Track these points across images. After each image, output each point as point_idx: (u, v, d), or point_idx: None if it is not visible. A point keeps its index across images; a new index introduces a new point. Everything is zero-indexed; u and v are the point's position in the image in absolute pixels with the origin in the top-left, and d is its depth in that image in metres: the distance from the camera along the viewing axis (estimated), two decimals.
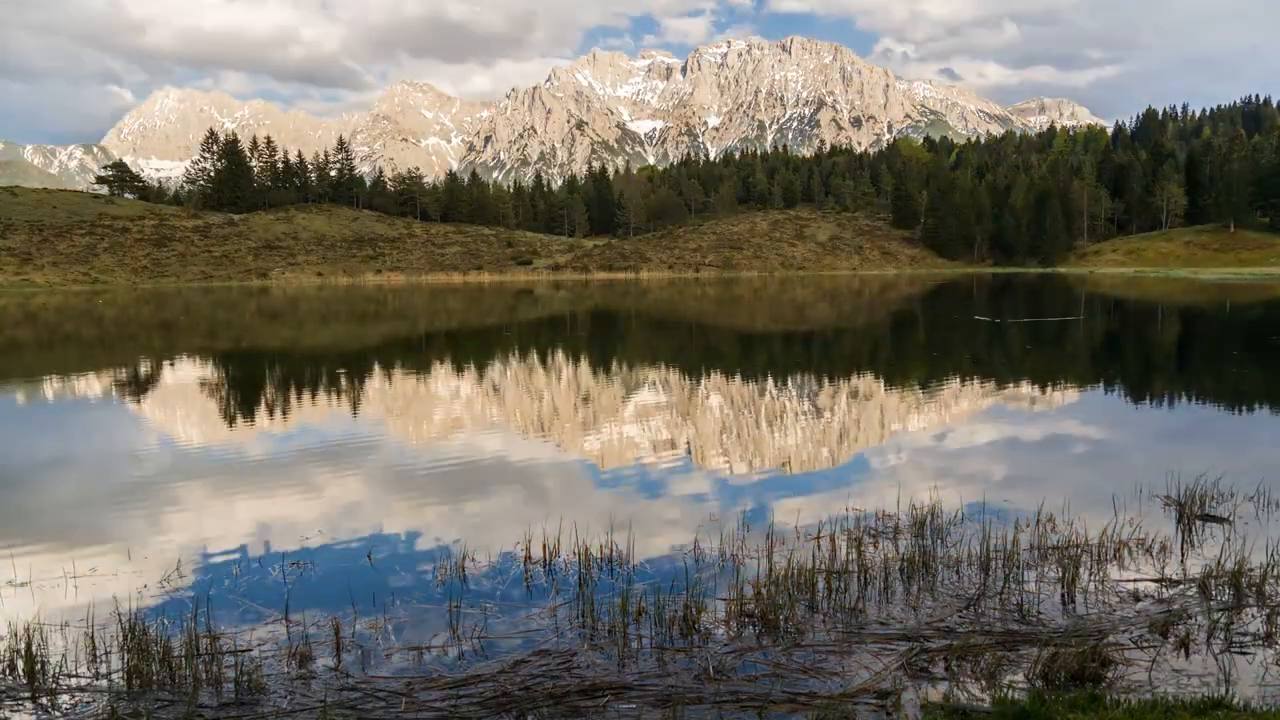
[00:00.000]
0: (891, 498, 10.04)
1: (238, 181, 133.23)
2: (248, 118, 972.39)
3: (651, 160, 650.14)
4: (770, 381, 21.92)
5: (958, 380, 21.15)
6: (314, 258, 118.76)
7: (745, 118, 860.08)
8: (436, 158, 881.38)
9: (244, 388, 22.22)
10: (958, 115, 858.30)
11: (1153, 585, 7.52)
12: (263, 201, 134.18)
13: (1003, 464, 12.58)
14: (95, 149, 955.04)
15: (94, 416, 17.77)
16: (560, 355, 29.37)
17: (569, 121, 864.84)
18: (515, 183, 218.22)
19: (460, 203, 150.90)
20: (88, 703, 5.75)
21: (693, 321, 44.36)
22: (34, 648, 6.22)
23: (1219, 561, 7.67)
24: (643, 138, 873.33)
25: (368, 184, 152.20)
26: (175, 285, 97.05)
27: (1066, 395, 19.09)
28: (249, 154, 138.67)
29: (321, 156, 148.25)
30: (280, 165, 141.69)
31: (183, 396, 20.29)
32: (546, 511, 9.95)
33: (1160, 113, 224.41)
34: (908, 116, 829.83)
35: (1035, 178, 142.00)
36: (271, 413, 17.92)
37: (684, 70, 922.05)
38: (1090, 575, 7.69)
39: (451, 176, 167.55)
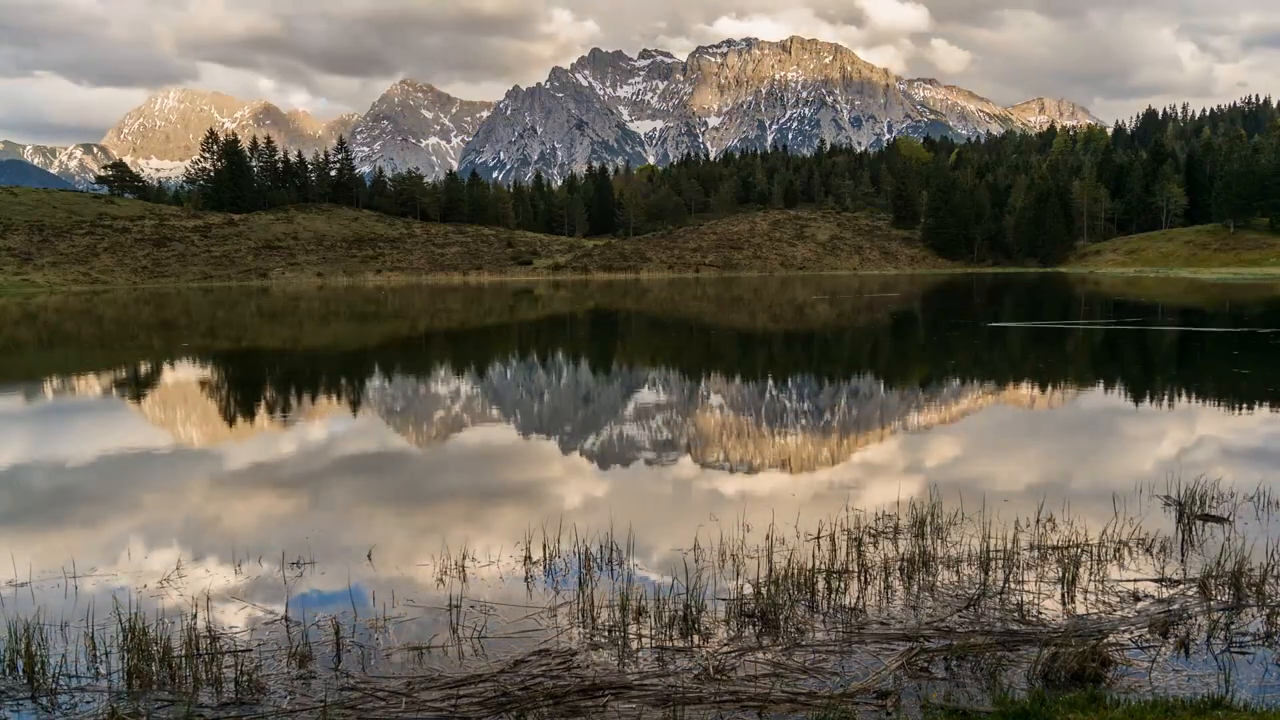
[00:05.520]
0: (891, 498, 10.03)
1: (238, 181, 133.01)
2: (248, 117, 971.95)
3: (651, 160, 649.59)
4: (770, 382, 21.93)
5: (959, 379, 21.14)
6: (314, 258, 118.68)
7: (745, 118, 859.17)
8: (437, 158, 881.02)
9: (244, 387, 22.22)
10: (958, 115, 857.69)
11: (1153, 585, 7.51)
12: (263, 201, 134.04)
13: (1003, 464, 12.58)
14: (95, 149, 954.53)
15: (94, 416, 17.77)
16: (560, 355, 29.37)
17: (569, 121, 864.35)
18: (515, 183, 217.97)
19: (460, 203, 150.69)
20: (88, 703, 5.74)
21: (696, 321, 44.33)
22: (34, 648, 6.21)
23: (1219, 561, 7.66)
24: (643, 138, 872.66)
25: (368, 184, 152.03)
26: (175, 285, 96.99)
27: (1066, 395, 19.09)
28: (249, 154, 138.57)
29: (321, 156, 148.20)
30: (280, 165, 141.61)
31: (183, 396, 20.29)
32: (546, 511, 9.94)
33: (1160, 113, 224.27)
34: (908, 116, 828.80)
35: (1035, 178, 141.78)
36: (271, 412, 17.91)
37: (684, 70, 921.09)
38: (1090, 575, 7.68)
39: (451, 176, 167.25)
